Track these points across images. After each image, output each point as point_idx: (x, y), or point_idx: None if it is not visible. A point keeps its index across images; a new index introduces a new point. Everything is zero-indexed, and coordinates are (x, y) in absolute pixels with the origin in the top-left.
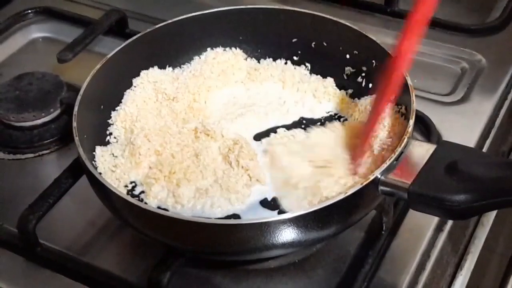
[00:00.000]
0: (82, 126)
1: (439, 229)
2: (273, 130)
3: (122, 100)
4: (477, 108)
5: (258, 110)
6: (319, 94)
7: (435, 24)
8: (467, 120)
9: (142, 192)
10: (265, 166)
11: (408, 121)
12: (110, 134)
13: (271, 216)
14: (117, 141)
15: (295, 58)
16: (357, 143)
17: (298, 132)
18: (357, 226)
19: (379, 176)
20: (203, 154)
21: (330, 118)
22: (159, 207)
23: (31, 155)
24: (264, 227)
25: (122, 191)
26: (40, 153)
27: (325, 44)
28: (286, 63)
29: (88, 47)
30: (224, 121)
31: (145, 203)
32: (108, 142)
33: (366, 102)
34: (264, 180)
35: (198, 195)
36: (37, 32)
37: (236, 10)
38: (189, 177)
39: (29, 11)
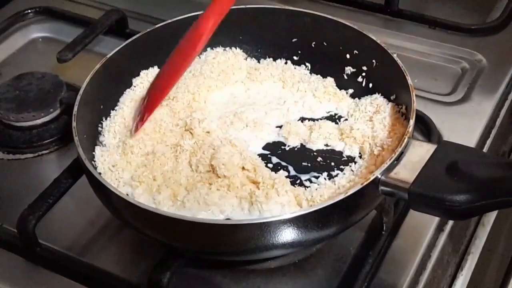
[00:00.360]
0: (82, 126)
1: (439, 229)
2: None
3: (121, 100)
4: (478, 108)
5: (257, 110)
6: (319, 94)
7: (436, 24)
8: (467, 120)
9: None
10: None
11: (408, 121)
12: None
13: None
14: (116, 140)
15: (295, 58)
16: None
17: None
18: (357, 226)
19: (379, 176)
20: (181, 157)
21: (331, 118)
22: None
23: (31, 155)
24: (264, 227)
25: (121, 191)
26: (40, 153)
27: (325, 44)
28: (286, 63)
29: (88, 47)
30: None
31: None
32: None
33: (366, 101)
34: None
35: (176, 207)
36: (37, 32)
37: (236, 10)
38: (167, 184)
39: (29, 10)
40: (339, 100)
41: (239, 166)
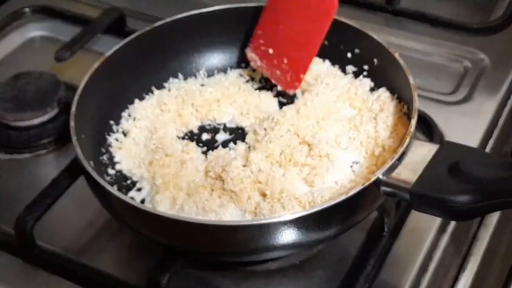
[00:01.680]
0: (80, 125)
1: (441, 230)
2: None
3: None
4: (480, 108)
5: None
6: None
7: (437, 22)
8: (469, 119)
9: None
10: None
11: (410, 120)
12: (112, 132)
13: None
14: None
15: None
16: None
17: None
18: (358, 227)
19: (380, 177)
20: (187, 163)
21: None
22: None
23: (29, 155)
24: (264, 228)
25: (120, 192)
26: (38, 153)
27: (326, 43)
28: None
29: (86, 46)
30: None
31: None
32: (106, 141)
33: (373, 97)
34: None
35: (175, 211)
36: (34, 30)
37: (236, 9)
38: (166, 185)
39: (27, 9)
40: None
41: (252, 180)
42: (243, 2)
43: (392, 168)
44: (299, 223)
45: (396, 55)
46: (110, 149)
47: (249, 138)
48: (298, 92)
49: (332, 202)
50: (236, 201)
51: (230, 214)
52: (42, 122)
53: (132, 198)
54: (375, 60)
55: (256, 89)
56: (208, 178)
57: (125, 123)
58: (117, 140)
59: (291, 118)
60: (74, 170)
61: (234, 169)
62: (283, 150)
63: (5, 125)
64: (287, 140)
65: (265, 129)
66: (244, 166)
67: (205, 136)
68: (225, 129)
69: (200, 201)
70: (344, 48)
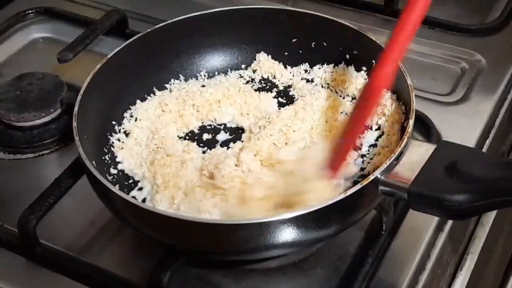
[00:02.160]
0: (82, 126)
1: (439, 229)
2: None
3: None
4: (477, 108)
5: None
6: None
7: (435, 24)
8: (467, 120)
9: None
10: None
11: (408, 121)
12: (114, 132)
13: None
14: (125, 136)
15: (295, 58)
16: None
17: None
18: (357, 226)
19: (379, 176)
20: (187, 162)
21: None
22: None
23: (32, 155)
24: (263, 227)
25: (122, 191)
26: (41, 153)
27: (325, 44)
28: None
29: (88, 47)
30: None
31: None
32: (108, 141)
33: None
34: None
35: (172, 209)
36: (37, 32)
37: (236, 10)
38: (166, 185)
39: (30, 11)
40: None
41: (240, 180)
42: (243, 4)
43: (390, 167)
44: (299, 221)
45: None
46: (112, 149)
47: (244, 136)
48: (297, 94)
49: (331, 201)
50: (227, 201)
51: (223, 215)
52: (45, 123)
53: (133, 197)
54: (374, 62)
55: (256, 90)
56: (202, 177)
57: (127, 124)
58: (119, 140)
59: (286, 119)
60: (76, 169)
61: (226, 167)
62: (269, 148)
63: (8, 125)
64: (275, 139)
65: (259, 128)
66: (237, 165)
67: (205, 136)
68: (226, 129)
69: (195, 201)
70: (343, 49)
